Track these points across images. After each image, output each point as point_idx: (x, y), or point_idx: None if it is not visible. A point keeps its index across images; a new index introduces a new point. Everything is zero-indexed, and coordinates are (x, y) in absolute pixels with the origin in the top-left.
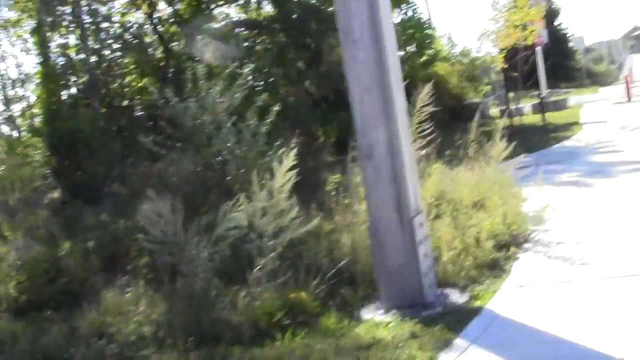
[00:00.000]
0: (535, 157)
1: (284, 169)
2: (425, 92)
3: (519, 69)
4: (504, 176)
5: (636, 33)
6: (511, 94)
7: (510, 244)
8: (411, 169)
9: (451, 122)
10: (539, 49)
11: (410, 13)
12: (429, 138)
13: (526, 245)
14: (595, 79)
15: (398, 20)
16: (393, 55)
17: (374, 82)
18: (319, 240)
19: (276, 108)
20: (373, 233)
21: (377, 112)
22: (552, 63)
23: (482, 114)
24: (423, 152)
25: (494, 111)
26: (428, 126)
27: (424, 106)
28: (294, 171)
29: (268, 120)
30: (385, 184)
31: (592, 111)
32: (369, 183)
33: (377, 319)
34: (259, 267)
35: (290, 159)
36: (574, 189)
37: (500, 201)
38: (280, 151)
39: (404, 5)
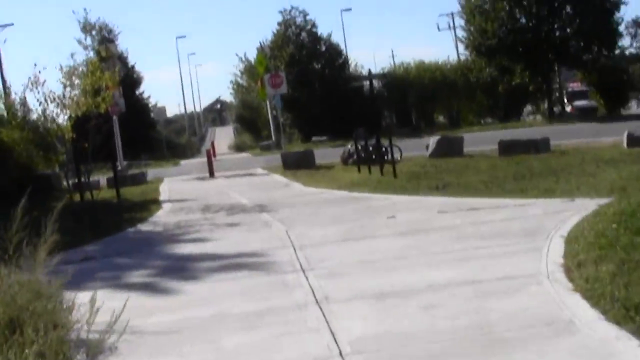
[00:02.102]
0: (104, 245)
1: None
2: None
3: (90, 139)
4: (54, 280)
5: (218, 106)
6: (83, 167)
7: None
8: None
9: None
10: (115, 118)
11: None
12: None
13: None
14: (176, 151)
15: None
16: None
17: None
18: None
19: None
20: None
21: None
22: (131, 133)
23: (52, 187)
24: None
25: (66, 185)
26: None
27: None
28: None
29: None
30: None
31: (172, 187)
32: None
33: None
34: None
35: None
36: (147, 297)
37: (42, 322)
38: None
39: None
